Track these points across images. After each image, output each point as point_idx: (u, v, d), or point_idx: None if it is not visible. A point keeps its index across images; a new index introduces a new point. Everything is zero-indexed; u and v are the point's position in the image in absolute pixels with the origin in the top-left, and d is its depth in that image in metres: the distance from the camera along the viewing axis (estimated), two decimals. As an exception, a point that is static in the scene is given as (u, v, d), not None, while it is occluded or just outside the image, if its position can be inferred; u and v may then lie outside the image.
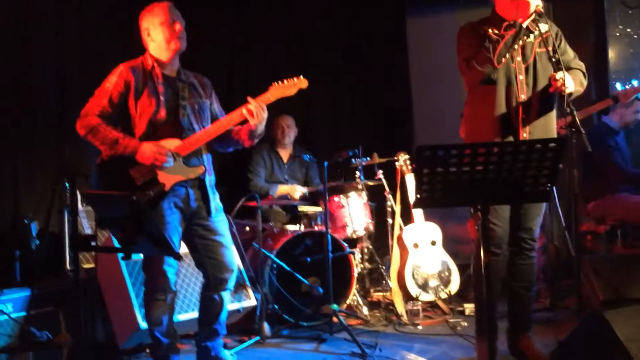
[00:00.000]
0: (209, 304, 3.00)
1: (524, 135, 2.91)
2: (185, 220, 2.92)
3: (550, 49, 2.81)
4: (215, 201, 3.00)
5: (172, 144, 2.84)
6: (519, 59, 2.92)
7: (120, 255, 3.35)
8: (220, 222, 3.00)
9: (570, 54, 3.05)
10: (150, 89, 2.85)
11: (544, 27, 2.87)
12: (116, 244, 3.39)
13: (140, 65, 2.90)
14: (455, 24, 4.93)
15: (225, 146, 3.09)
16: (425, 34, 5.45)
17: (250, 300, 3.87)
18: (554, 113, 3.02)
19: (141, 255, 3.07)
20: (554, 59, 2.76)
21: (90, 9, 4.52)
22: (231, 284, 3.01)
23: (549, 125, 2.98)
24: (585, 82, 3.00)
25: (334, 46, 5.49)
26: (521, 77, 2.92)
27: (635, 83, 4.00)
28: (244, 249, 4.11)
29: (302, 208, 4.58)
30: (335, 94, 5.48)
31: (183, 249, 3.09)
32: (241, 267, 3.89)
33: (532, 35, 2.89)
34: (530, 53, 2.94)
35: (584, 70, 3.03)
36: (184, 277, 3.56)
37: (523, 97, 2.92)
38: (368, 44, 5.52)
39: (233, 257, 3.03)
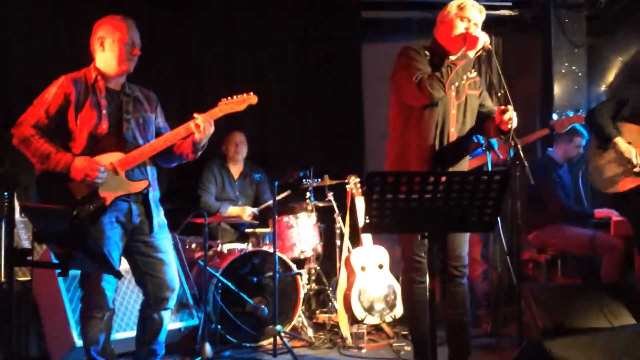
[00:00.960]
0: (148, 323, 2.91)
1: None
2: (126, 236, 2.84)
3: (497, 87, 2.90)
4: (159, 217, 2.93)
5: (114, 157, 2.77)
6: (453, 94, 3.01)
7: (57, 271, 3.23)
8: (163, 239, 2.93)
9: (490, 101, 3.20)
10: (93, 102, 2.78)
11: (472, 72, 3.00)
12: (54, 259, 3.30)
13: (83, 78, 2.83)
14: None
15: (168, 161, 3.03)
16: (380, 59, 5.53)
17: (192, 319, 3.79)
18: (467, 157, 3.16)
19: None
20: (499, 94, 2.84)
21: (37, 17, 4.44)
22: (171, 303, 2.94)
23: (464, 167, 3.12)
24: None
25: (289, 67, 5.50)
26: (453, 111, 3.03)
27: (571, 114, 4.13)
28: (189, 266, 4.03)
29: (251, 230, 4.56)
30: (289, 114, 5.48)
31: (124, 265, 3.00)
32: (185, 285, 3.81)
33: (464, 76, 2.96)
34: (462, 92, 3.04)
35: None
36: (124, 295, 3.46)
37: (453, 130, 3.02)
38: (323, 67, 5.54)
39: (175, 275, 2.95)
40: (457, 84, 2.91)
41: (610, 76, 5.64)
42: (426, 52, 3.05)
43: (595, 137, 3.85)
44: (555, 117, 4.14)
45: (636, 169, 3.54)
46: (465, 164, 3.15)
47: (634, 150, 3.58)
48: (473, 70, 2.99)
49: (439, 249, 3.08)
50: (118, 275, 2.40)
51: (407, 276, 3.11)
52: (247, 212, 4.72)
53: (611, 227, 4.20)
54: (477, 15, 3.01)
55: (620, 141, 3.69)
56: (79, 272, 2.99)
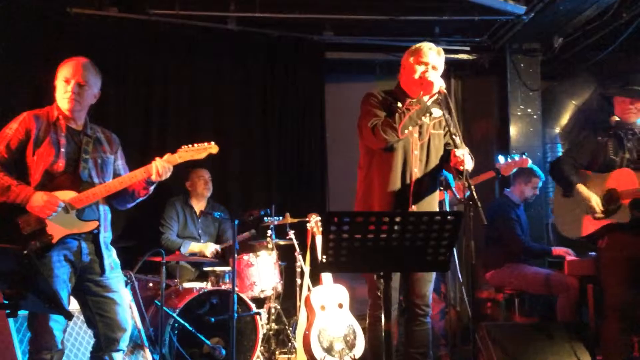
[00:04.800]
0: (99, 366, 2.83)
1: (413, 209, 3.03)
2: (75, 275, 2.78)
3: (451, 129, 2.96)
4: (111, 258, 2.89)
5: (67, 195, 2.75)
6: (416, 135, 3.07)
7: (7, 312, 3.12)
8: (115, 278, 2.88)
9: (456, 139, 3.23)
10: (52, 139, 2.80)
11: (437, 112, 3.03)
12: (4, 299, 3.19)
13: (45, 115, 2.85)
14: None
15: (123, 203, 3.01)
16: (343, 99, 5.62)
17: (147, 361, 3.69)
18: (437, 193, 3.18)
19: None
20: (455, 136, 2.90)
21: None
22: (123, 344, 2.86)
23: (433, 204, 3.14)
24: (472, 163, 3.15)
25: (251, 106, 5.54)
26: (416, 152, 3.07)
27: (516, 157, 4.19)
28: (145, 306, 3.95)
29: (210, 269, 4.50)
30: (251, 153, 5.49)
31: (75, 305, 2.93)
32: (140, 326, 3.72)
33: (428, 116, 3.03)
34: (425, 132, 3.10)
35: (470, 154, 3.19)
36: (76, 336, 3.35)
37: (416, 170, 3.06)
38: (287, 106, 5.59)
39: (127, 316, 2.89)
40: (410, 128, 2.95)
41: (564, 119, 5.85)
42: (387, 97, 3.12)
43: (559, 185, 3.85)
44: (501, 160, 4.18)
45: (597, 215, 3.58)
46: (432, 202, 3.13)
47: (594, 196, 3.60)
48: (438, 109, 3.01)
49: (403, 287, 3.09)
50: (68, 316, 2.34)
51: (373, 314, 3.11)
52: (209, 249, 4.67)
53: (565, 266, 4.27)
54: (436, 57, 3.08)
55: (581, 187, 3.65)
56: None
